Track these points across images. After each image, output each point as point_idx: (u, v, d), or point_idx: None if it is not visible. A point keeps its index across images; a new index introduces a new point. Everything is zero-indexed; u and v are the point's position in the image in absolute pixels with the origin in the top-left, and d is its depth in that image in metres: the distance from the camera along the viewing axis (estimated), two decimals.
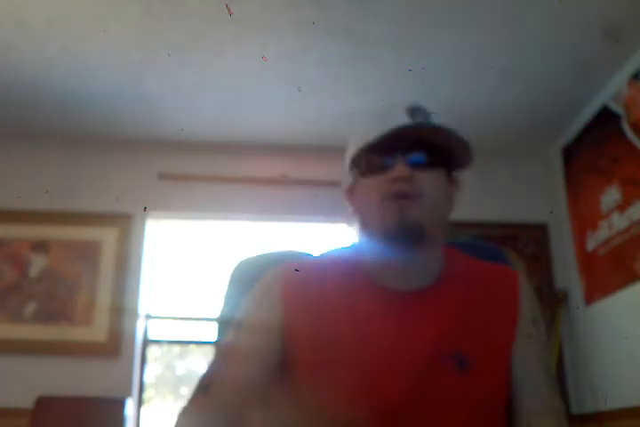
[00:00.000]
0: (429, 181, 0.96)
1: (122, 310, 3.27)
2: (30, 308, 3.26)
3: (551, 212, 3.60)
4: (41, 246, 3.37)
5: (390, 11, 2.54)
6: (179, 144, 3.57)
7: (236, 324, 1.03)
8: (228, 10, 2.51)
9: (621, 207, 2.88)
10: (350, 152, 1.01)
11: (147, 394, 3.35)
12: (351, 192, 1.04)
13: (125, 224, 3.42)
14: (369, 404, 0.92)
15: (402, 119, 0.96)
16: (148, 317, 3.43)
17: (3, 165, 3.49)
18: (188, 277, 3.54)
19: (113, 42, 2.73)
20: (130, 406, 2.87)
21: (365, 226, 1.01)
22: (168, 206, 3.51)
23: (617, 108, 2.95)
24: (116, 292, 3.29)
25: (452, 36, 2.71)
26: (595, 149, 3.16)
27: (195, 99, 3.18)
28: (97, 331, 3.23)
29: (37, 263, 3.34)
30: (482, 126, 3.45)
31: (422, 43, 2.75)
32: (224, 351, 1.02)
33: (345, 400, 0.92)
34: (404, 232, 0.94)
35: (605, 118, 3.05)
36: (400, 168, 0.94)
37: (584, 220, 3.26)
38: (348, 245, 1.12)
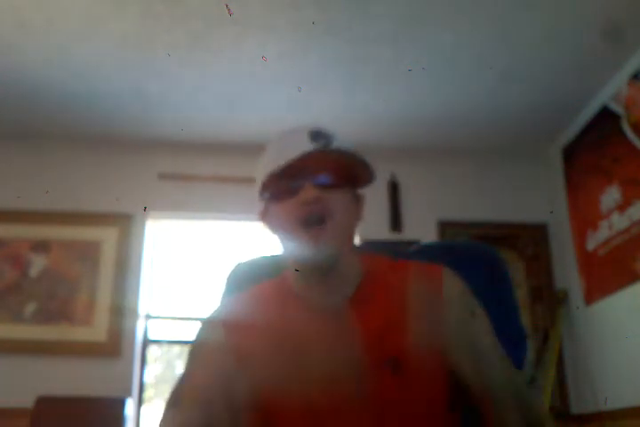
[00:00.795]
0: (337, 200, 1.01)
1: (122, 310, 3.27)
2: (30, 308, 3.26)
3: (551, 212, 3.60)
4: (41, 246, 3.37)
5: (390, 11, 2.54)
6: (179, 144, 3.57)
7: (194, 346, 1.10)
8: (228, 10, 2.51)
9: (621, 207, 2.88)
10: (259, 178, 1.06)
11: (147, 394, 3.35)
12: (265, 216, 1.09)
13: (125, 224, 3.42)
14: (312, 415, 0.97)
15: (305, 145, 1.00)
16: (148, 317, 3.43)
17: (3, 165, 3.49)
18: (188, 277, 3.54)
19: (113, 42, 2.73)
20: (130, 406, 2.87)
21: (282, 246, 1.07)
22: (168, 206, 3.51)
23: (617, 108, 2.95)
24: (116, 292, 3.29)
25: (452, 36, 2.71)
26: (595, 149, 3.16)
27: (195, 99, 3.18)
28: (97, 331, 3.23)
29: (37, 263, 3.34)
30: (482, 126, 3.45)
31: (422, 43, 2.75)
32: (192, 367, 1.08)
33: (291, 413, 0.98)
34: (319, 261, 1.00)
35: (605, 118, 3.05)
36: (308, 191, 0.99)
37: (584, 220, 3.26)
38: (277, 259, 1.17)
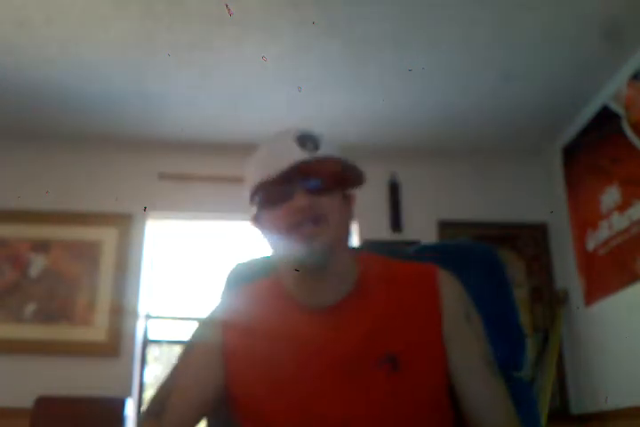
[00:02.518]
0: (329, 204, 1.02)
1: (122, 310, 3.27)
2: (30, 308, 3.26)
3: (551, 212, 3.60)
4: (41, 246, 3.37)
5: (390, 11, 2.54)
6: (179, 144, 3.57)
7: (187, 346, 1.13)
8: (228, 10, 2.51)
9: (621, 207, 2.88)
10: (249, 185, 1.07)
11: (147, 394, 3.35)
12: (256, 221, 1.10)
13: (125, 224, 3.42)
14: (309, 416, 0.99)
15: (295, 152, 1.01)
16: (148, 317, 3.43)
17: (3, 165, 3.49)
18: (188, 278, 3.55)
19: (113, 42, 2.73)
20: (130, 406, 2.87)
21: (274, 251, 1.08)
22: (168, 206, 3.51)
23: (617, 108, 2.95)
24: (116, 292, 3.29)
25: (452, 36, 2.71)
26: (595, 149, 3.16)
27: (195, 99, 3.18)
28: (97, 331, 3.24)
29: (37, 263, 3.34)
30: (482, 126, 3.45)
31: (422, 43, 2.75)
32: (178, 368, 1.13)
33: (285, 412, 1.00)
34: (312, 260, 1.00)
35: (605, 118, 3.05)
36: (299, 198, 1.00)
37: (584, 220, 3.26)
38: (270, 263, 1.17)
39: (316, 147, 1.02)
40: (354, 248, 1.15)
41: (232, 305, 1.14)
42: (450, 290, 1.06)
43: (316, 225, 1.00)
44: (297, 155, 1.00)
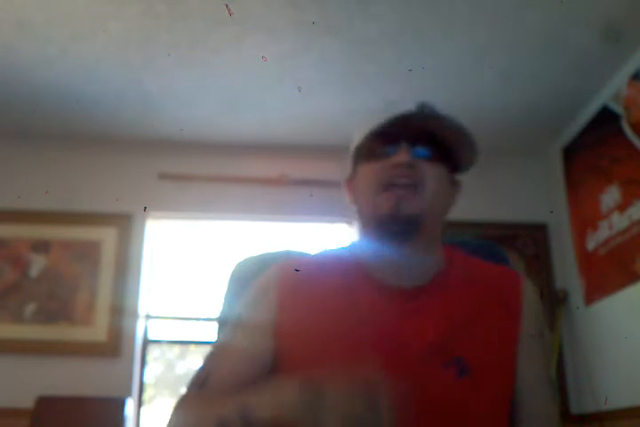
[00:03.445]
0: (431, 172, 0.95)
1: (122, 310, 3.27)
2: (30, 308, 3.26)
3: (551, 212, 3.60)
4: (41, 246, 3.37)
5: (390, 11, 2.54)
6: (179, 144, 3.57)
7: (232, 322, 1.02)
8: (228, 10, 2.51)
9: (621, 207, 2.88)
10: (355, 141, 1.01)
11: (147, 394, 3.35)
12: (350, 182, 1.04)
13: (125, 224, 3.42)
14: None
15: (409, 109, 0.95)
16: (148, 317, 3.43)
17: (3, 165, 3.49)
18: (188, 278, 3.54)
19: (113, 42, 2.72)
20: (130, 406, 2.87)
21: (361, 215, 1.00)
22: (168, 206, 3.51)
23: (617, 108, 2.95)
24: (116, 292, 3.29)
25: (452, 36, 2.71)
26: (595, 149, 3.16)
27: (195, 99, 3.18)
28: (97, 331, 3.23)
29: (37, 263, 3.34)
30: (482, 126, 3.45)
31: (422, 43, 2.75)
32: (219, 349, 1.00)
33: None
34: (398, 224, 0.92)
35: (605, 118, 3.05)
36: (402, 154, 0.93)
37: (584, 220, 3.26)
38: (346, 245, 1.10)
39: (435, 114, 0.96)
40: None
41: (291, 279, 1.00)
42: (531, 299, 1.01)
43: (412, 188, 0.92)
44: (410, 111, 0.94)
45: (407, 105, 0.96)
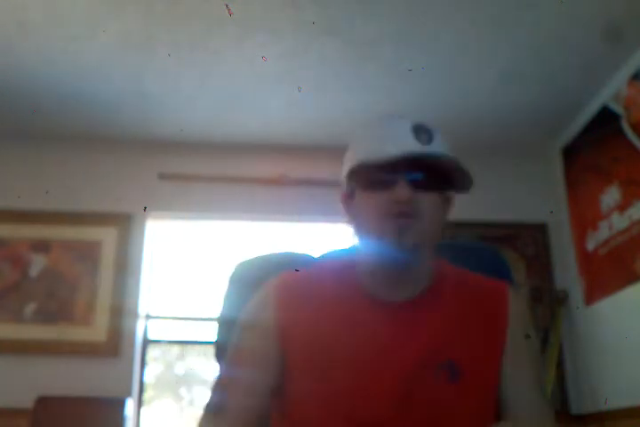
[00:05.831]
0: (428, 202, 0.99)
1: (122, 310, 3.27)
2: (30, 308, 3.26)
3: (551, 212, 3.60)
4: (41, 246, 3.37)
5: (390, 11, 2.54)
6: (179, 144, 3.57)
7: (236, 335, 1.07)
8: (228, 10, 2.51)
9: (621, 207, 2.88)
10: (350, 162, 1.03)
11: (147, 394, 3.35)
12: (348, 199, 1.06)
13: (125, 224, 3.42)
14: (363, 410, 0.96)
15: (408, 141, 0.98)
16: (148, 317, 3.43)
17: (3, 165, 3.49)
18: (188, 277, 3.54)
19: (113, 42, 2.72)
20: (130, 406, 2.88)
21: (363, 237, 1.04)
22: (168, 206, 3.51)
23: (617, 108, 2.95)
24: (116, 292, 3.29)
25: (452, 36, 2.71)
26: (595, 149, 3.16)
27: (195, 99, 3.18)
28: (97, 331, 3.23)
29: (37, 263, 3.34)
30: (482, 126, 3.45)
31: (422, 43, 2.75)
32: (231, 365, 1.05)
33: (341, 406, 0.96)
34: (400, 251, 0.98)
35: (605, 118, 3.05)
36: (402, 190, 0.97)
37: (584, 220, 3.26)
38: (346, 247, 1.14)
39: (430, 140, 0.99)
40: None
41: (293, 287, 1.07)
42: (518, 309, 1.07)
43: (411, 220, 0.97)
44: (410, 144, 0.97)
45: (404, 128, 0.99)
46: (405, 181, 0.97)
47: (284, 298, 1.04)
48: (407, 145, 0.97)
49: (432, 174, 1.00)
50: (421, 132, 1.00)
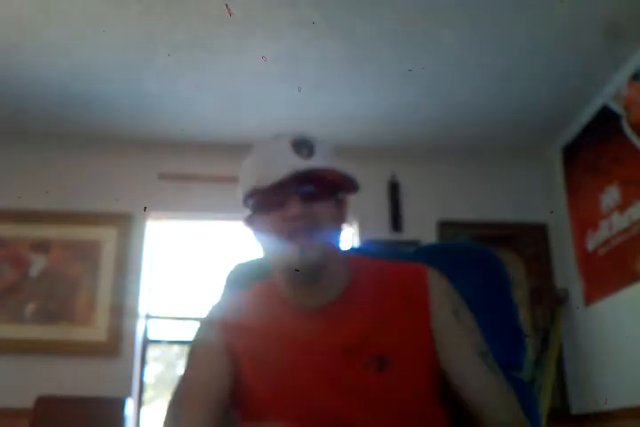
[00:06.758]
0: (322, 211, 1.03)
1: (122, 310, 3.27)
2: (30, 308, 3.26)
3: (551, 212, 3.60)
4: (41, 246, 3.37)
5: (390, 11, 2.54)
6: (179, 144, 3.57)
7: (191, 349, 1.13)
8: (228, 10, 2.51)
9: (621, 207, 2.88)
10: (243, 188, 1.08)
11: (147, 394, 3.35)
12: (249, 223, 1.10)
13: (125, 224, 3.42)
14: (307, 410, 1.01)
15: (290, 158, 1.01)
16: (148, 317, 3.43)
17: (3, 165, 3.49)
18: (188, 277, 3.54)
19: (113, 42, 2.73)
20: (130, 406, 2.87)
21: (269, 257, 1.09)
22: (168, 206, 3.51)
23: (617, 108, 2.95)
24: (116, 292, 3.29)
25: (452, 36, 2.71)
26: (595, 149, 3.16)
27: (194, 99, 3.18)
28: (97, 331, 3.23)
29: (37, 263, 3.34)
30: (482, 126, 3.45)
31: (422, 43, 2.75)
32: (187, 375, 1.11)
33: (287, 404, 1.02)
34: (305, 271, 1.02)
35: (605, 118, 3.05)
36: (293, 206, 1.00)
37: (584, 220, 3.26)
38: (268, 275, 1.18)
39: (311, 152, 1.03)
40: (345, 251, 1.15)
41: (230, 307, 1.16)
42: (437, 287, 1.08)
43: (309, 235, 1.00)
44: (292, 162, 1.00)
45: (284, 146, 1.03)
46: (297, 197, 1.01)
47: (227, 320, 1.12)
48: (289, 164, 1.00)
49: (320, 184, 1.03)
50: (301, 146, 1.03)
